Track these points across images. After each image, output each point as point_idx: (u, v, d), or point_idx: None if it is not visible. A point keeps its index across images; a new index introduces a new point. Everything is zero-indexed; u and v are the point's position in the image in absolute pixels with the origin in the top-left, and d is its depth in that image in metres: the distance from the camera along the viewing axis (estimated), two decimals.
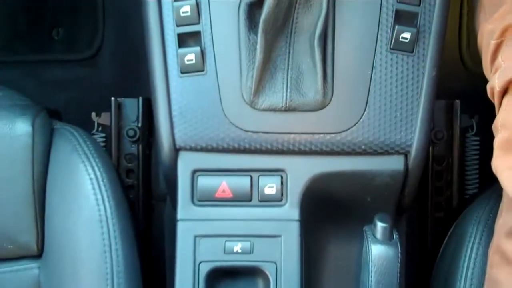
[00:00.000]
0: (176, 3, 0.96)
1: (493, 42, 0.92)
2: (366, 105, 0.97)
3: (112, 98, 1.37)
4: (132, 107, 1.39)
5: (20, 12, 1.62)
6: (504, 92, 0.88)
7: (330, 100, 0.96)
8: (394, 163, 0.99)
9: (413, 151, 0.98)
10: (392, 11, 0.96)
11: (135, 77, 1.33)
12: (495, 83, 0.89)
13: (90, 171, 0.97)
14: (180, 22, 0.97)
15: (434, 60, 0.97)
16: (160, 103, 0.98)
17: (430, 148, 1.38)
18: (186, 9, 0.96)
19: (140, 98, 1.38)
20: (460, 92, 1.38)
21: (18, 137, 0.97)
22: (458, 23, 1.54)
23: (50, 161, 0.99)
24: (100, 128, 1.39)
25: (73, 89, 1.62)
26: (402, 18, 0.96)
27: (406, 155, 0.99)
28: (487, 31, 0.95)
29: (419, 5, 0.96)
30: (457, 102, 1.37)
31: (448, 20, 1.00)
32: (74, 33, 1.63)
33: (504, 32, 0.90)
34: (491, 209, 1.01)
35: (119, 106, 1.38)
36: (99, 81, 1.63)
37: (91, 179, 0.97)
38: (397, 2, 0.96)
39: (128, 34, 1.54)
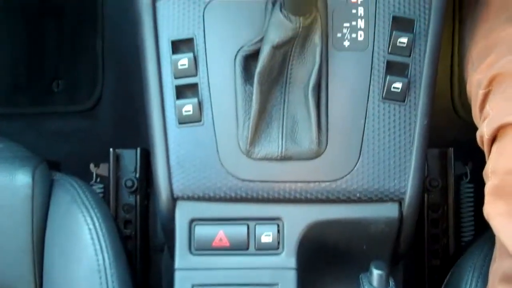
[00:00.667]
0: (174, 56, 0.99)
1: (481, 92, 0.95)
2: (360, 153, 0.98)
3: (111, 149, 1.39)
4: (130, 158, 1.41)
5: (21, 64, 1.65)
6: (493, 140, 0.90)
7: (325, 149, 0.98)
8: (389, 211, 1.00)
9: (407, 199, 0.99)
10: (384, 62, 0.99)
11: (133, 128, 1.35)
12: (484, 131, 0.91)
13: (89, 221, 0.98)
14: (178, 74, 0.99)
15: (425, 109, 0.99)
16: (158, 153, 1.00)
17: (425, 196, 1.39)
18: (184, 62, 0.99)
19: (138, 149, 1.40)
20: (454, 140, 1.40)
21: (18, 188, 0.98)
22: (450, 73, 1.58)
23: (50, 212, 1.00)
24: (98, 179, 1.41)
25: (72, 141, 1.64)
26: (393, 69, 0.99)
27: (400, 202, 1.00)
28: (475, 81, 0.98)
29: (410, 56, 0.99)
30: (451, 150, 1.39)
31: (440, 70, 1.03)
32: (74, 85, 1.66)
33: (491, 81, 0.93)
34: (485, 256, 1.02)
35: (117, 157, 1.40)
36: (98, 132, 1.65)
37: (90, 229, 0.98)
38: (388, 53, 0.99)
39: (127, 86, 1.57)
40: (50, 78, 1.65)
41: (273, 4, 0.96)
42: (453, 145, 1.40)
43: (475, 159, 1.01)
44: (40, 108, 1.67)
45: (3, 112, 1.65)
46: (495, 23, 1.00)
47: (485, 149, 0.93)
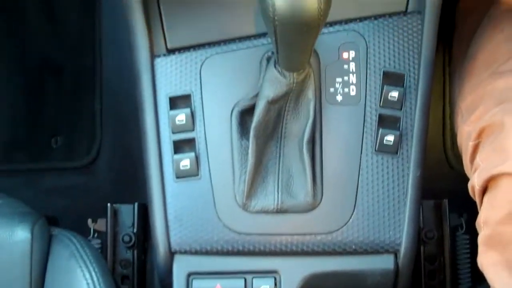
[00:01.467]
0: (172, 112, 1.02)
1: (471, 144, 0.97)
2: (355, 205, 1.00)
3: (108, 205, 1.40)
4: (127, 213, 1.42)
5: (20, 120, 1.68)
6: (484, 190, 0.92)
7: (320, 201, 1.00)
8: (385, 262, 1.01)
9: (403, 250, 1.00)
10: (376, 116, 1.02)
11: (131, 183, 1.37)
12: (475, 182, 0.93)
13: (88, 276, 0.99)
14: (175, 129, 1.02)
15: (418, 160, 1.01)
16: (156, 207, 1.01)
17: (422, 248, 1.40)
18: (181, 118, 1.01)
19: (136, 204, 1.41)
20: (448, 191, 1.41)
21: (17, 244, 0.99)
22: (442, 124, 1.61)
23: (48, 266, 1.01)
24: (96, 234, 1.41)
25: (71, 196, 1.64)
26: (385, 122, 1.02)
27: (395, 253, 1.01)
28: (465, 133, 1.01)
29: (401, 109, 1.02)
30: (445, 201, 1.41)
31: (432, 121, 1.06)
32: (73, 141, 1.68)
33: (480, 133, 0.96)
34: None
35: (115, 212, 1.41)
36: (96, 187, 1.67)
37: (88, 284, 0.98)
38: (380, 107, 1.02)
39: (125, 141, 1.59)
40: (49, 134, 1.67)
41: (268, 61, 0.99)
42: (448, 196, 1.42)
43: (470, 210, 1.02)
44: (39, 164, 1.68)
45: (2, 168, 1.66)
46: (481, 77, 1.03)
47: (477, 199, 0.94)
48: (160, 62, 1.03)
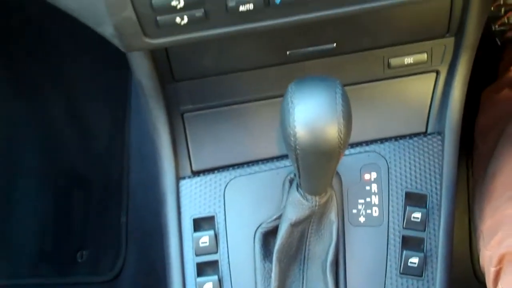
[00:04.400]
0: (195, 234, 1.03)
1: (492, 269, 0.96)
2: None
3: None
4: None
5: (48, 232, 1.70)
6: None
7: None
8: None
9: None
10: (399, 237, 1.02)
11: None
12: None
13: None
14: (199, 251, 1.02)
15: (443, 282, 1.00)
16: None
17: None
18: (205, 240, 1.02)
19: None
20: None
21: None
22: (469, 238, 1.59)
23: None
24: None
25: None
26: (409, 243, 1.01)
27: None
28: (487, 257, 1.00)
29: (424, 230, 1.02)
30: None
31: (458, 236, 1.05)
32: (98, 255, 1.69)
33: (501, 260, 0.95)
34: None
35: None
36: None
37: None
38: (403, 228, 1.02)
39: (149, 257, 1.60)
40: (75, 248, 1.69)
41: (290, 183, 1.01)
42: None
43: None
44: (64, 279, 1.69)
45: (28, 282, 1.67)
46: (500, 200, 1.03)
47: None
48: (185, 184, 1.05)
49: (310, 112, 0.77)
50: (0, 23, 1.67)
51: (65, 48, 1.74)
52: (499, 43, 1.54)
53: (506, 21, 1.49)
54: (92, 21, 0.82)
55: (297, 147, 0.80)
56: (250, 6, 0.80)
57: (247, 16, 0.81)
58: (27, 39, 1.73)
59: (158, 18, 0.79)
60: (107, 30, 0.81)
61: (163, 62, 0.98)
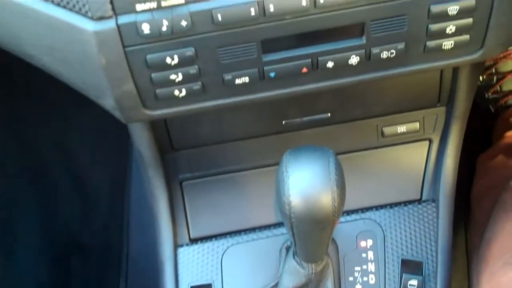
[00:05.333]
0: None
1: None
2: None
3: None
4: None
5: None
6: None
7: None
8: None
9: None
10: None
11: None
12: None
13: None
14: None
15: None
16: None
17: None
18: None
19: None
20: None
21: None
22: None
23: None
24: None
25: None
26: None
27: None
28: None
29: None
30: None
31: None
32: None
33: None
34: None
35: None
36: None
37: None
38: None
39: None
40: None
41: (287, 251, 1.02)
42: None
43: None
44: None
45: None
46: (496, 266, 1.04)
47: None
48: (183, 251, 1.06)
49: (304, 180, 0.79)
50: (4, 86, 1.71)
51: (68, 112, 1.77)
52: (492, 110, 1.57)
53: (498, 89, 1.53)
54: (94, 94, 0.85)
55: (292, 215, 0.81)
56: (246, 79, 0.83)
57: (243, 89, 0.84)
58: (30, 102, 1.76)
59: (157, 91, 0.82)
60: (108, 103, 0.84)
61: (162, 132, 1.00)
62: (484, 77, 1.52)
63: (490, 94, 1.55)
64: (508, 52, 1.45)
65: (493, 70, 1.51)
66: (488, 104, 1.57)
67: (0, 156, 1.60)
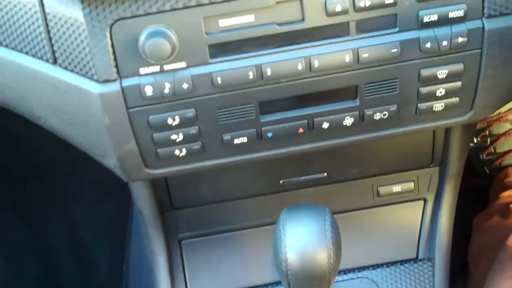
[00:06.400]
0: None
1: None
2: None
3: None
4: None
5: None
6: None
7: None
8: None
9: None
10: None
11: None
12: None
13: None
14: None
15: None
16: None
17: None
18: None
19: None
20: None
21: None
22: None
23: None
24: None
25: None
26: None
27: None
28: None
29: None
30: None
31: None
32: None
33: None
34: None
35: None
36: None
37: None
38: None
39: None
40: None
41: None
42: None
43: None
44: None
45: None
46: None
47: None
48: None
49: (300, 238, 0.81)
50: (6, 156, 1.73)
51: (69, 181, 1.79)
52: (487, 171, 1.59)
53: (492, 150, 1.56)
54: (96, 153, 0.88)
55: (289, 272, 0.82)
56: (244, 140, 0.86)
57: (242, 149, 0.87)
58: (33, 170, 1.78)
59: (159, 150, 0.85)
60: (111, 161, 0.87)
61: (163, 190, 1.03)
62: (478, 139, 1.55)
63: (484, 155, 1.57)
64: (501, 115, 1.49)
65: (487, 133, 1.54)
66: (483, 165, 1.59)
67: None
